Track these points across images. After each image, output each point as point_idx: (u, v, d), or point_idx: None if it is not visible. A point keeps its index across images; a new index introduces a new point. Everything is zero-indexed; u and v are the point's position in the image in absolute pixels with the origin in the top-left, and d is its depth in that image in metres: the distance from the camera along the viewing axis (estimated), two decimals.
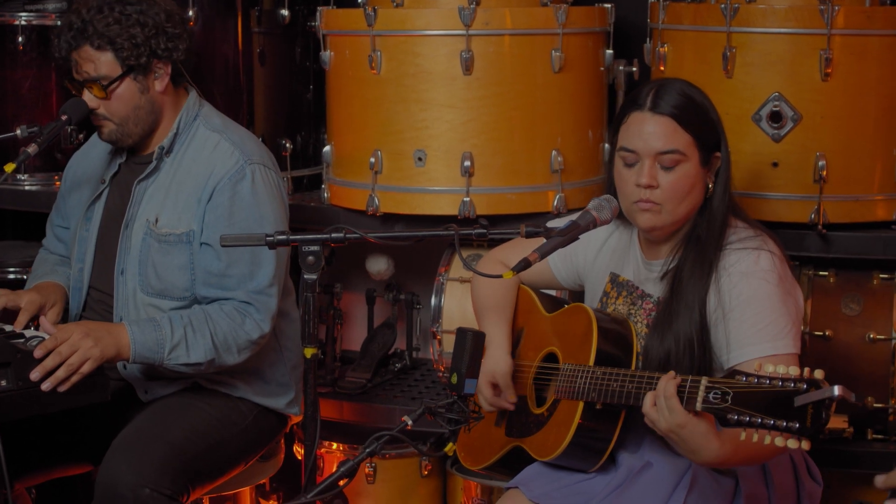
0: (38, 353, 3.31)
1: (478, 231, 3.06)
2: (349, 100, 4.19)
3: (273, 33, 4.67)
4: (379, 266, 4.65)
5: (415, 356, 4.76)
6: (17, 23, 4.54)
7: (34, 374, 3.30)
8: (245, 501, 4.32)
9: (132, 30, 3.60)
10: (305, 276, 3.05)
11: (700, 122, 3.13)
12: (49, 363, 3.31)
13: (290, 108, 4.78)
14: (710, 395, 2.71)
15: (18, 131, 3.80)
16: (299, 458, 4.47)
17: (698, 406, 2.74)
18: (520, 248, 3.49)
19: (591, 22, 4.14)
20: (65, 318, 3.84)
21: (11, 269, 4.51)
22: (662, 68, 4.06)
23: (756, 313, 3.03)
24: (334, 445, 4.47)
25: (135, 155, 3.82)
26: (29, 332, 3.51)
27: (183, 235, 3.66)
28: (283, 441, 4.15)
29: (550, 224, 3.32)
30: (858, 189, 3.90)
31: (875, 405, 3.89)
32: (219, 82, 4.46)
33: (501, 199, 4.07)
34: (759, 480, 3.19)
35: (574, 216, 3.11)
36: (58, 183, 4.57)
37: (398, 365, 4.71)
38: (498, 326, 3.48)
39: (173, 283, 3.67)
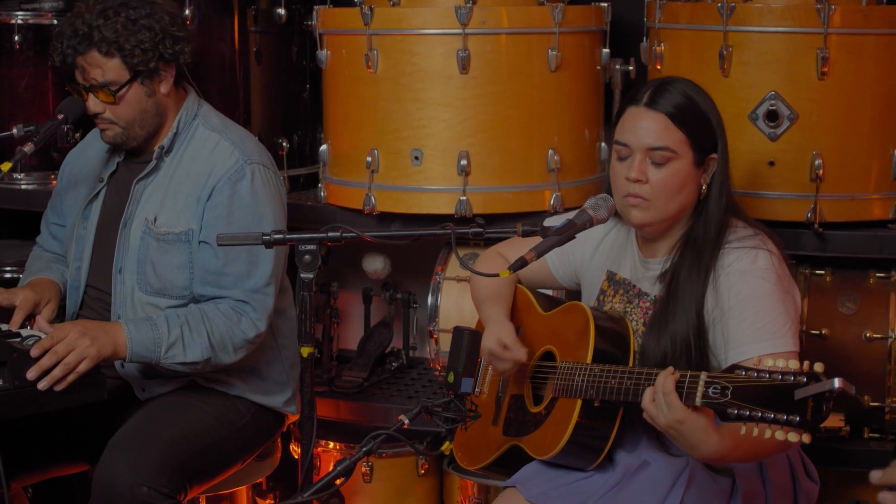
0: (34, 353, 3.31)
1: (474, 230, 3.06)
2: (346, 99, 4.19)
3: (269, 32, 4.67)
4: (375, 265, 4.65)
5: (411, 355, 4.76)
6: (13, 22, 4.53)
7: (30, 374, 3.30)
8: (242, 500, 4.32)
9: (139, 35, 3.60)
10: (302, 276, 3.05)
11: (695, 121, 3.13)
12: (45, 362, 3.31)
13: (287, 107, 4.78)
14: (710, 390, 2.71)
15: (15, 130, 3.80)
16: (296, 457, 4.47)
17: (698, 401, 2.74)
18: (518, 245, 3.49)
19: (587, 21, 4.14)
20: (61, 315, 3.84)
21: (8, 268, 4.51)
22: (659, 67, 4.06)
23: (755, 312, 3.04)
24: (331, 444, 4.47)
25: (134, 154, 3.82)
26: (25, 331, 3.50)
27: (182, 234, 3.66)
28: (279, 440, 4.15)
29: (547, 223, 3.32)
30: (855, 188, 3.90)
31: (871, 403, 3.89)
32: (215, 81, 4.46)
33: (498, 198, 4.08)
34: (756, 479, 3.19)
35: (571, 215, 3.12)
36: (54, 182, 4.56)
37: (395, 364, 4.71)
38: (495, 308, 3.47)
39: (172, 281, 3.67)
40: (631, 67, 4.36)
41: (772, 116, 3.84)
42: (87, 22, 3.58)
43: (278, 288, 3.71)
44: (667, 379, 2.80)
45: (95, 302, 3.81)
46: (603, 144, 4.27)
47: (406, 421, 3.05)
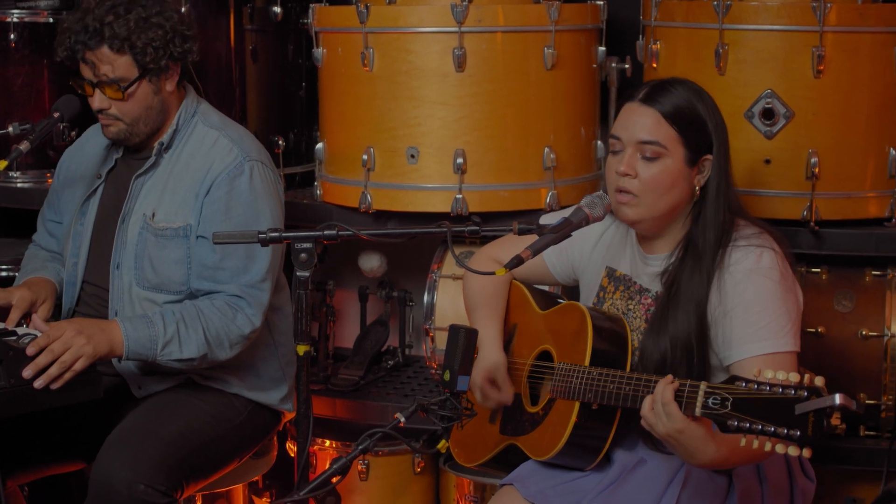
0: (30, 351, 3.31)
1: (470, 228, 3.06)
2: (342, 97, 4.19)
3: (265, 30, 4.66)
4: (372, 263, 4.65)
5: (407, 353, 4.76)
6: (9, 20, 4.53)
7: (26, 372, 3.30)
8: (238, 499, 4.32)
9: (151, 33, 3.61)
10: (298, 274, 3.05)
11: (689, 121, 3.13)
12: (41, 361, 3.31)
13: (283, 105, 4.78)
14: (710, 401, 2.71)
15: (10, 128, 3.80)
16: (292, 455, 4.47)
17: (697, 411, 2.74)
18: (511, 244, 3.50)
19: (583, 19, 4.14)
20: (56, 313, 3.84)
21: (4, 267, 4.50)
22: (655, 65, 4.06)
23: (758, 311, 3.04)
24: (327, 443, 4.47)
25: (133, 150, 3.82)
26: (21, 330, 3.50)
27: (180, 230, 3.66)
28: (275, 438, 4.15)
29: (543, 220, 3.32)
30: (851, 186, 3.90)
31: (867, 402, 3.90)
32: (211, 80, 4.45)
33: (494, 197, 4.07)
34: (753, 477, 3.19)
35: (567, 213, 3.12)
36: (50, 180, 4.56)
37: (391, 362, 4.71)
38: (490, 323, 3.47)
39: (169, 277, 3.67)
40: (627, 65, 4.36)
41: (768, 114, 3.84)
42: (97, 18, 3.58)
43: (274, 283, 3.72)
44: (666, 388, 2.80)
45: (92, 298, 3.81)
46: (599, 143, 4.27)
47: (402, 419, 3.05)
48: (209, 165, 3.67)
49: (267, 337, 3.81)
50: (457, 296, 4.20)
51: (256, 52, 4.64)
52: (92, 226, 3.82)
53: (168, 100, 3.73)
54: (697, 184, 3.17)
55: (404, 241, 3.22)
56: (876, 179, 3.92)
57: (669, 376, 2.84)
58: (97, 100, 3.65)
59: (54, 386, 3.33)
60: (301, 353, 3.08)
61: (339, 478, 2.98)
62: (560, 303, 3.39)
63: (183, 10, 4.34)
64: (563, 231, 3.02)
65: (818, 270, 4.00)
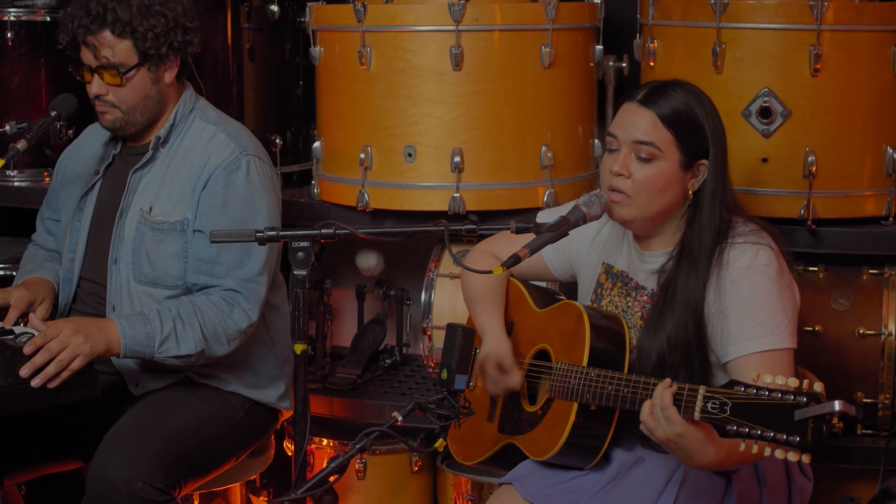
0: (27, 350, 3.31)
1: (468, 227, 3.06)
2: (339, 96, 4.19)
3: (263, 29, 4.66)
4: (369, 262, 4.65)
5: (405, 352, 4.76)
6: (6, 19, 4.53)
7: (24, 371, 3.30)
8: (235, 497, 4.32)
9: (153, 20, 3.64)
10: (295, 273, 3.05)
11: (686, 125, 3.12)
12: (39, 360, 3.31)
13: (280, 103, 4.78)
14: (709, 405, 2.71)
15: (7, 127, 3.80)
16: (289, 454, 4.47)
17: (696, 415, 2.74)
18: (509, 240, 3.49)
19: (580, 18, 4.14)
20: (54, 313, 3.84)
21: (1, 266, 4.50)
22: (652, 64, 4.06)
23: (755, 308, 3.04)
24: (324, 441, 4.47)
25: (130, 145, 3.82)
26: (18, 329, 3.51)
27: (177, 224, 3.67)
28: (273, 437, 4.15)
29: (539, 218, 3.32)
30: (848, 185, 3.91)
31: (865, 400, 3.90)
32: (209, 78, 4.45)
33: (491, 195, 4.07)
34: (751, 477, 3.19)
35: (564, 211, 3.12)
36: (47, 179, 4.56)
37: (388, 361, 4.71)
38: (491, 314, 3.47)
39: (166, 271, 3.67)
40: (624, 64, 4.36)
41: (765, 113, 3.84)
42: (101, 3, 3.62)
43: (271, 278, 3.72)
44: (664, 392, 2.80)
45: (89, 295, 3.81)
46: (596, 141, 4.27)
47: (399, 418, 3.05)
48: (206, 160, 3.68)
49: (264, 334, 3.81)
50: (454, 294, 4.20)
51: (254, 50, 4.64)
52: (90, 222, 3.83)
53: (166, 91, 3.74)
54: (691, 188, 3.16)
55: (402, 239, 3.22)
56: (873, 178, 3.92)
57: (668, 380, 2.83)
58: (95, 85, 3.67)
59: (51, 385, 3.33)
60: (298, 352, 3.08)
61: (336, 476, 2.98)
62: (557, 301, 3.39)
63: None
64: (560, 230, 3.02)
65: (815, 269, 4.00)
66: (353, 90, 4.13)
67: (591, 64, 4.23)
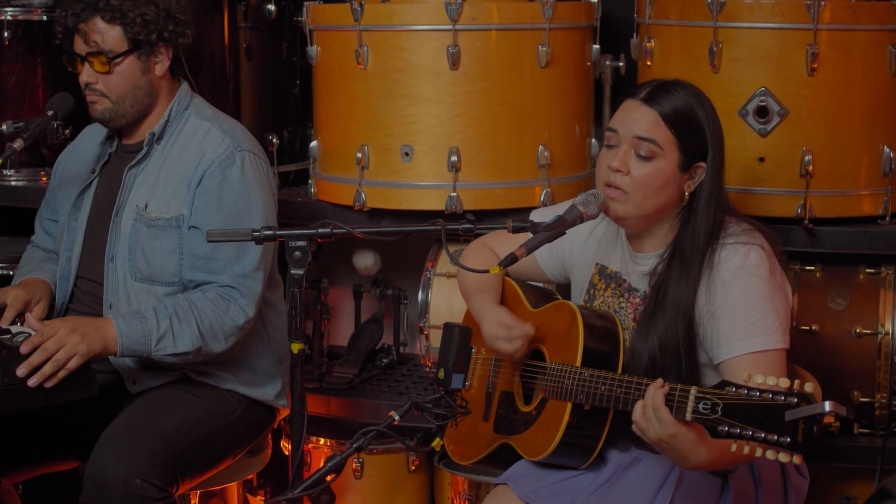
0: (24, 349, 3.31)
1: (464, 226, 3.06)
2: (336, 95, 4.19)
3: (259, 28, 4.66)
4: (366, 261, 4.65)
5: (402, 351, 4.76)
6: (2, 18, 4.52)
7: (20, 371, 3.30)
8: (232, 497, 4.32)
9: (143, 7, 3.67)
10: (292, 272, 3.05)
11: (687, 126, 3.12)
12: (35, 359, 3.31)
13: (277, 103, 4.78)
14: (700, 406, 2.71)
15: (4, 126, 3.81)
16: (286, 453, 4.47)
17: (688, 416, 2.74)
18: (505, 237, 3.48)
19: (577, 17, 4.14)
20: (50, 312, 3.84)
21: None
22: (649, 63, 4.06)
23: (746, 309, 3.03)
24: (321, 441, 4.47)
25: (125, 143, 3.83)
26: (15, 328, 3.50)
27: (172, 220, 3.67)
28: (270, 436, 4.15)
29: (534, 215, 3.32)
30: (845, 184, 3.91)
31: (861, 399, 3.90)
32: (205, 77, 4.45)
33: (488, 194, 4.07)
34: (747, 476, 3.19)
35: (560, 210, 3.12)
36: (44, 178, 4.57)
37: (385, 360, 4.71)
38: (486, 301, 3.46)
39: (162, 267, 3.68)
40: (621, 63, 4.36)
41: (762, 112, 3.84)
42: None
43: (267, 274, 3.72)
44: (656, 393, 2.80)
45: (85, 294, 3.82)
46: (593, 140, 4.28)
47: (396, 417, 3.06)
48: (201, 156, 3.69)
49: (261, 332, 3.81)
50: (451, 294, 4.20)
51: (250, 49, 4.64)
52: (86, 220, 3.83)
53: (156, 84, 3.75)
54: (687, 189, 3.16)
55: (398, 238, 3.22)
56: (870, 177, 3.93)
57: (660, 380, 2.83)
58: (85, 73, 3.69)
59: (48, 384, 3.33)
60: (295, 352, 3.08)
61: (333, 476, 2.98)
62: (552, 301, 3.39)
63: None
64: (557, 229, 3.02)
65: (812, 268, 4.01)
66: (350, 89, 4.13)
67: (588, 63, 4.23)
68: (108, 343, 3.46)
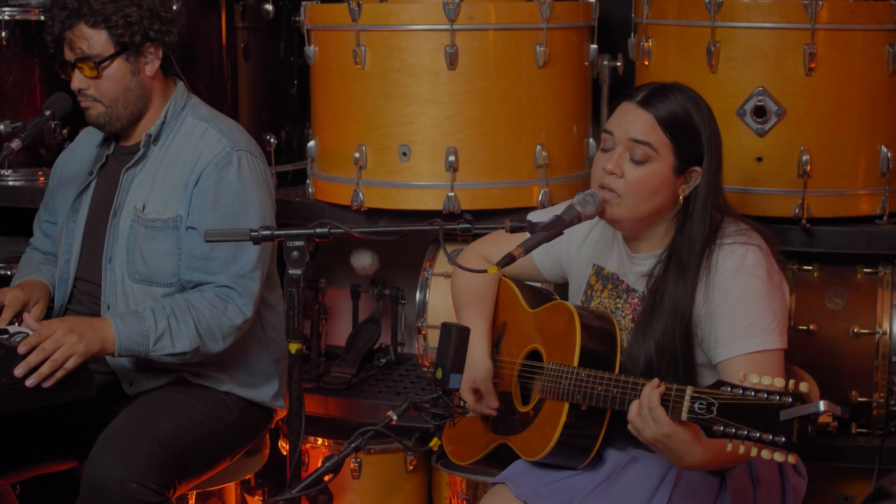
0: (21, 349, 3.31)
1: (462, 226, 3.06)
2: (333, 95, 4.19)
3: (257, 28, 4.66)
4: (363, 261, 4.65)
5: (400, 351, 4.76)
6: (0, 18, 4.52)
7: (18, 371, 3.30)
8: (230, 497, 4.32)
9: (127, 9, 3.66)
10: (290, 272, 3.05)
11: (683, 131, 3.12)
12: (33, 359, 3.31)
13: (275, 103, 4.78)
14: (696, 406, 2.71)
15: (2, 126, 3.81)
16: (284, 453, 4.47)
17: (683, 416, 2.74)
18: (501, 241, 3.49)
19: (575, 17, 4.14)
20: (49, 314, 3.84)
21: None
22: (647, 63, 4.06)
23: (744, 309, 3.03)
24: (319, 441, 4.47)
25: (122, 145, 3.83)
26: (13, 328, 3.50)
27: (170, 221, 3.67)
28: (268, 436, 4.15)
29: (532, 216, 3.32)
30: (842, 184, 3.91)
31: (859, 399, 3.90)
32: (203, 77, 4.45)
33: (486, 194, 4.07)
34: (745, 476, 3.19)
35: (558, 210, 3.12)
36: (42, 179, 4.56)
37: (383, 360, 4.70)
38: (477, 324, 3.46)
39: (160, 269, 3.68)
40: (619, 63, 4.36)
41: (759, 112, 3.84)
42: None
43: (265, 274, 3.72)
44: (652, 393, 2.80)
45: (84, 296, 3.81)
46: (591, 140, 4.28)
47: (394, 417, 3.05)
48: (198, 156, 3.69)
49: (259, 332, 3.81)
50: (449, 294, 4.18)
51: (248, 49, 4.63)
52: (84, 222, 3.84)
53: (148, 84, 3.75)
54: (682, 193, 3.15)
55: (396, 238, 3.22)
56: (867, 177, 3.92)
57: (656, 380, 2.83)
58: (75, 80, 3.70)
59: (46, 384, 3.33)
60: (293, 352, 3.08)
61: (331, 476, 2.98)
62: (550, 301, 3.39)
63: (175, 7, 4.34)
64: (555, 229, 3.02)
65: (810, 268, 4.01)
66: (348, 89, 4.13)
67: (586, 63, 4.23)
68: (106, 343, 3.46)
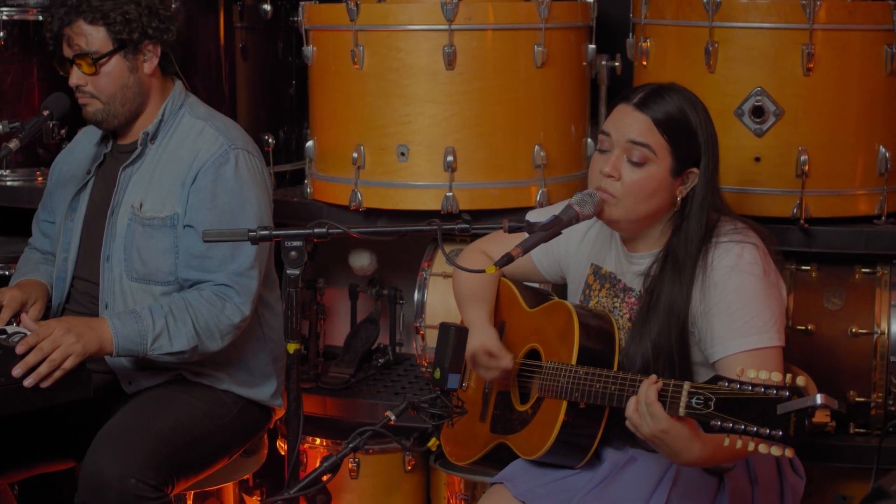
0: (20, 350, 3.31)
1: (460, 226, 3.06)
2: (332, 95, 4.19)
3: (255, 28, 4.66)
4: (362, 261, 4.65)
5: (398, 351, 4.76)
6: None
7: (16, 371, 3.30)
8: (228, 497, 4.32)
9: (126, 6, 3.67)
10: (288, 272, 3.05)
11: (680, 132, 3.12)
12: (31, 359, 3.31)
13: (273, 103, 4.78)
14: (693, 401, 2.71)
15: (0, 126, 3.79)
16: (282, 453, 4.47)
17: (681, 411, 2.74)
18: (501, 241, 3.50)
19: (573, 17, 4.14)
20: (47, 313, 3.84)
21: None
22: (645, 63, 4.06)
23: (741, 307, 3.04)
24: (317, 441, 4.47)
25: (119, 144, 3.83)
26: (11, 329, 3.50)
27: (167, 219, 3.67)
28: (266, 436, 4.15)
29: (530, 216, 3.32)
30: (840, 184, 3.91)
31: (857, 399, 3.90)
32: (201, 77, 4.45)
33: (484, 194, 4.07)
34: (744, 475, 3.19)
35: (556, 210, 3.12)
36: (40, 178, 4.56)
37: (381, 360, 4.71)
38: (478, 309, 3.47)
39: (157, 267, 3.68)
40: (617, 63, 4.36)
41: (757, 112, 3.84)
42: None
43: (262, 272, 3.72)
44: (649, 388, 2.80)
45: (82, 294, 3.81)
46: (589, 140, 4.28)
47: (393, 417, 3.05)
48: (195, 154, 3.69)
49: (258, 331, 3.81)
50: (447, 294, 4.20)
51: (246, 49, 4.63)
52: (82, 221, 3.84)
53: (146, 82, 3.75)
54: (679, 194, 3.15)
55: (395, 238, 3.22)
56: (865, 177, 3.93)
57: (653, 376, 2.84)
58: (73, 76, 3.70)
59: (44, 384, 3.33)
60: (291, 352, 3.08)
61: (329, 476, 2.98)
62: (548, 301, 3.39)
63: (173, 6, 4.34)
64: (553, 229, 3.02)
65: (808, 268, 4.01)
66: (346, 89, 4.13)
67: (584, 63, 4.23)
68: (104, 343, 3.46)
